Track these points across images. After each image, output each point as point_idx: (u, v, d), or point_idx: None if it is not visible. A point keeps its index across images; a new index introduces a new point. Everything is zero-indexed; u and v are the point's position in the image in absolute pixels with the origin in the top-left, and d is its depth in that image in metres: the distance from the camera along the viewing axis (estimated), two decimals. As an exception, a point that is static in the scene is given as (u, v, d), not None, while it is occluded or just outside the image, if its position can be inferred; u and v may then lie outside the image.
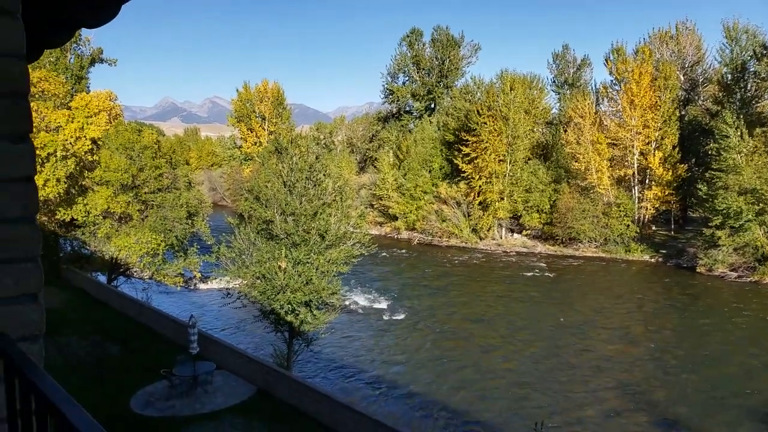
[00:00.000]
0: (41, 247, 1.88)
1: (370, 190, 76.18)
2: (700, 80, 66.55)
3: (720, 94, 57.49)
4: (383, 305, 38.27)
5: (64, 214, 35.01)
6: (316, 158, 23.94)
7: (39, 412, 1.47)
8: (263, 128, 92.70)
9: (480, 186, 62.94)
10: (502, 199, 62.59)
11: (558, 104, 78.43)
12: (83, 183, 37.34)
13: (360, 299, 38.86)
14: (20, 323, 1.77)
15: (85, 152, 36.10)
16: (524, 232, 63.08)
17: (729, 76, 56.50)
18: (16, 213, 1.77)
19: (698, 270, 47.31)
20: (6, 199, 1.76)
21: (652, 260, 53.43)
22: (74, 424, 1.26)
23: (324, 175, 23.67)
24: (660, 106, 56.75)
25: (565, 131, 62.34)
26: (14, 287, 1.76)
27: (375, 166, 79.83)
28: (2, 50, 1.73)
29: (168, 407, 18.18)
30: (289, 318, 22.21)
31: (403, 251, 60.74)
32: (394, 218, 71.47)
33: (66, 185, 34.24)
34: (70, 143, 34.44)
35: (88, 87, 51.02)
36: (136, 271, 38.11)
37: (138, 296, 32.95)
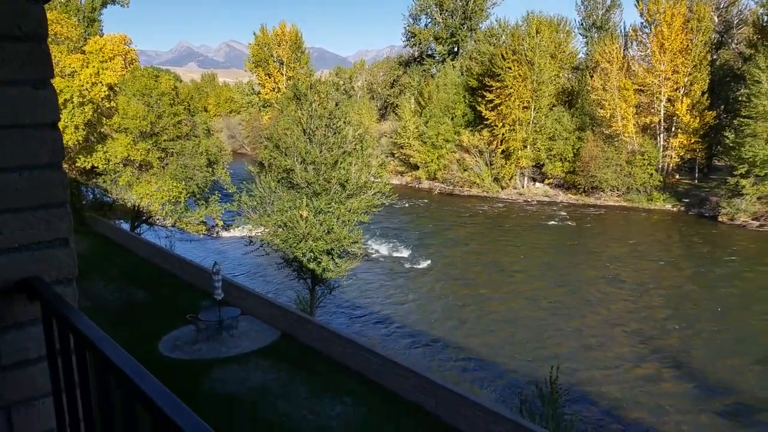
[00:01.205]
0: (69, 192, 1.91)
1: (391, 138, 75.66)
2: (735, 22, 64.13)
3: (755, 37, 55.40)
4: (404, 254, 38.50)
5: (84, 161, 35.39)
6: (336, 105, 23.66)
7: (78, 350, 1.52)
8: (281, 73, 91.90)
9: (503, 134, 62.12)
10: (525, 147, 61.80)
11: (585, 48, 76.46)
12: (102, 130, 37.51)
13: (381, 248, 39.15)
14: (54, 266, 1.81)
15: (102, 98, 36.05)
16: (546, 181, 62.54)
17: (766, 18, 54.36)
18: (44, 159, 1.79)
19: (720, 219, 46.78)
20: (33, 145, 1.77)
21: (674, 209, 52.86)
22: (112, 360, 1.30)
23: (344, 122, 23.48)
24: (691, 49, 55.00)
25: (592, 77, 60.90)
26: (47, 232, 1.80)
27: (396, 113, 79.02)
28: None
29: (195, 351, 18.63)
30: (311, 266, 22.56)
31: (424, 201, 60.67)
32: (415, 167, 71.09)
33: (84, 132, 34.44)
34: (86, 89, 34.39)
35: (101, 30, 50.68)
36: (158, 219, 38.67)
37: (161, 244, 33.44)
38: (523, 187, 63.45)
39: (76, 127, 33.32)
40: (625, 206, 54.83)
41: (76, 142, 33.92)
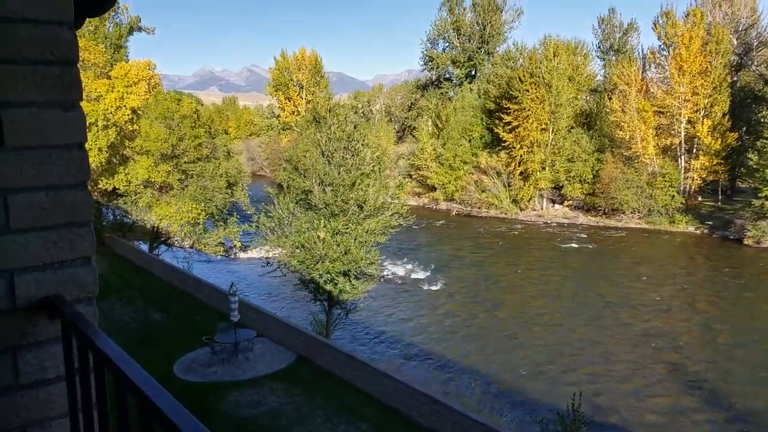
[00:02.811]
0: (92, 212, 1.94)
1: (409, 160, 75.87)
2: (755, 44, 63.67)
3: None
4: (421, 275, 38.38)
5: (107, 183, 35.84)
6: (354, 127, 23.84)
7: (97, 368, 1.53)
8: (301, 97, 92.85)
9: (521, 155, 62.00)
10: (544, 168, 61.58)
11: (603, 71, 76.33)
12: (124, 152, 38.04)
13: (398, 269, 39.21)
14: (76, 285, 1.83)
15: (126, 122, 36.63)
16: (566, 203, 62.15)
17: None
18: (71, 179, 1.83)
19: (746, 242, 45.96)
20: (62, 165, 1.81)
21: (698, 232, 52.12)
22: (131, 378, 1.30)
23: (362, 144, 23.64)
24: (710, 71, 54.63)
25: (610, 99, 60.71)
26: (70, 251, 1.83)
27: (414, 136, 79.35)
28: (53, 18, 1.77)
29: (210, 373, 18.69)
30: (328, 287, 22.57)
31: (442, 222, 60.61)
32: (433, 189, 71.03)
33: (107, 155, 34.98)
34: (111, 113, 35.04)
35: (126, 56, 51.65)
36: (177, 240, 38.87)
37: (179, 265, 33.61)
38: (542, 209, 63.10)
39: (100, 150, 33.86)
40: (647, 228, 54.21)
41: (99, 165, 34.42)
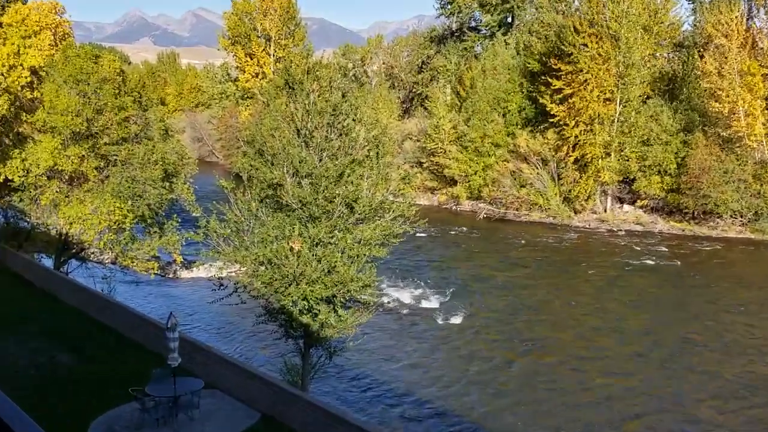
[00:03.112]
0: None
1: (419, 141, 75.94)
2: None
3: None
4: (435, 304, 38.41)
5: (-5, 172, 35.71)
6: (343, 96, 23.50)
7: None
8: (268, 53, 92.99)
9: (576, 136, 62.01)
10: (608, 155, 61.67)
11: (692, 18, 76.43)
12: (20, 130, 37.83)
13: (403, 295, 39.25)
14: None
15: (23, 87, 36.39)
16: (639, 203, 62.10)
17: None
18: None
19: None
20: None
21: (826, 245, 52.18)
22: None
23: (353, 120, 23.42)
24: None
25: (702, 57, 60.72)
26: None
27: (425, 108, 79.35)
28: None
29: None
30: (304, 319, 22.22)
31: (464, 229, 60.55)
32: (453, 182, 71.28)
33: (-4, 132, 34.89)
34: (1, 74, 34.80)
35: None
36: (93, 253, 38.64)
37: (97, 287, 33.27)
38: (605, 211, 63.22)
39: (-16, 126, 33.77)
40: (753, 239, 54.18)
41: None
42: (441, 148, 71.46)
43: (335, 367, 26.14)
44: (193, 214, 25.68)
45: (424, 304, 38.56)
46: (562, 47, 62.49)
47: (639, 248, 52.54)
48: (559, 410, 25.69)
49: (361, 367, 28.88)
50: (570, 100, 61.85)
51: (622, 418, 24.99)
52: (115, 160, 38.10)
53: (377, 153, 23.53)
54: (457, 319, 36.11)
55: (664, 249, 52.03)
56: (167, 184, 39.27)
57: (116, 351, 24.84)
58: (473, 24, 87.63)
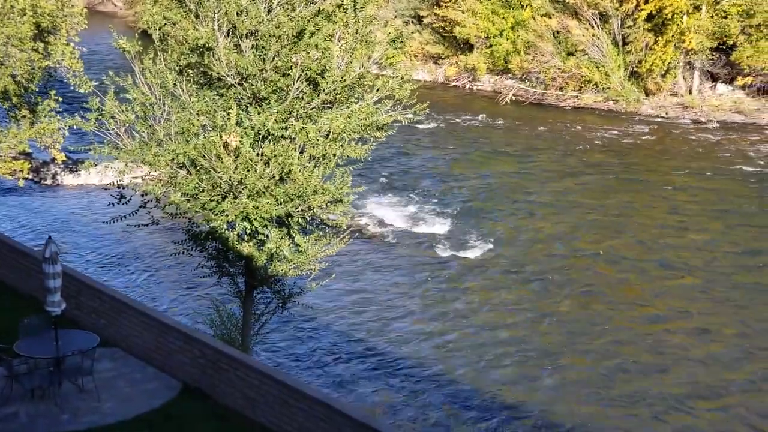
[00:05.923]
0: None
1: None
2: None
3: None
4: (437, 228, 35.33)
5: None
6: None
7: None
8: None
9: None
10: (698, 8, 54.55)
11: None
12: None
13: (390, 215, 36.94)
14: None
15: None
16: (739, 81, 55.80)
17: None
18: None
19: None
20: None
21: None
22: None
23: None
24: None
25: None
26: None
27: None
28: None
29: (3, 419, 16.88)
30: (245, 249, 20.23)
31: (482, 118, 56.33)
32: (466, 48, 65.25)
33: None
34: None
35: None
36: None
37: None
38: (690, 93, 57.73)
39: None
40: None
41: None
42: (449, -2, 65.56)
43: (290, 319, 24.91)
44: (81, 91, 22.28)
45: (420, 227, 35.67)
46: None
47: (737, 147, 48.72)
48: (617, 379, 22.96)
49: (326, 320, 26.69)
50: None
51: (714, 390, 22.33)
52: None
53: (354, 1, 20.46)
54: (469, 251, 32.82)
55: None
56: (41, 45, 36.19)
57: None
58: None
